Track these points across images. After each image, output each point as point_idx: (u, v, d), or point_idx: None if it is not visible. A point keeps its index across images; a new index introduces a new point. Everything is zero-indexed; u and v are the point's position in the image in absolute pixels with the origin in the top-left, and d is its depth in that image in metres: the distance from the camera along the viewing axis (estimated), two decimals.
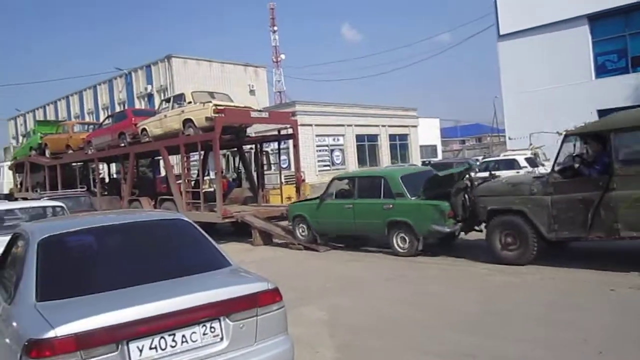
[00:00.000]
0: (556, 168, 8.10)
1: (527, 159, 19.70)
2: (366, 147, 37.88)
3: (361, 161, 36.66)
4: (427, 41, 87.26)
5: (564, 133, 8.42)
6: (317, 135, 33.40)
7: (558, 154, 8.36)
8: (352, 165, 34.50)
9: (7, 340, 3.15)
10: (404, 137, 41.84)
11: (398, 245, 9.86)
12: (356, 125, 36.95)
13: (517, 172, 16.57)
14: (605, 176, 7.32)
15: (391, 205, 9.90)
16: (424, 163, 38.01)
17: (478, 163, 24.12)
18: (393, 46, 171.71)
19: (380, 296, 7.13)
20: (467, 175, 9.53)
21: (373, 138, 38.81)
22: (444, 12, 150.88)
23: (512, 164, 19.39)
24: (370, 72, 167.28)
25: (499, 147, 44.88)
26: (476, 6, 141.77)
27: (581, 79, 23.30)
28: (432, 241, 9.89)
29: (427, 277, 8.11)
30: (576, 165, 7.99)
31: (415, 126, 42.91)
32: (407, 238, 9.71)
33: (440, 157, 50.70)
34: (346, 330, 5.71)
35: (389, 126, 39.98)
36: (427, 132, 46.85)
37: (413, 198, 9.73)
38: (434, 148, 51.42)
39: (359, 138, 36.97)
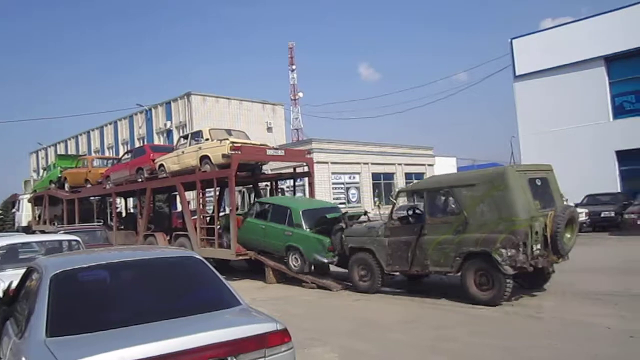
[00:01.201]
0: (394, 216, 10.57)
1: None
2: (382, 185, 37.88)
3: (378, 198, 36.59)
4: (444, 80, 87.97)
5: (397, 190, 11.95)
6: (333, 173, 33.54)
7: (393, 205, 11.05)
8: (368, 204, 34.41)
9: None
10: (420, 175, 41.74)
11: (292, 264, 12.15)
12: (372, 164, 37.06)
13: None
14: (420, 224, 9.77)
15: (290, 233, 12.17)
16: None
17: None
18: (410, 85, 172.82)
19: (396, 340, 6.93)
20: (343, 218, 11.56)
21: (389, 176, 38.83)
22: (461, 52, 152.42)
23: None
24: (388, 110, 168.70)
25: None
26: (494, 46, 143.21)
27: (599, 120, 23.29)
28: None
29: (447, 320, 7.92)
30: (404, 214, 10.98)
31: (431, 165, 42.92)
32: (299, 260, 11.97)
33: None
34: None
35: (405, 164, 40.05)
36: (443, 170, 46.62)
37: (307, 230, 11.96)
38: None
39: (375, 176, 37.06)
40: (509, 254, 8.34)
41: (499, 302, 8.56)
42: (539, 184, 9.32)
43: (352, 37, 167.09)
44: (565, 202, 9.77)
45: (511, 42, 26.99)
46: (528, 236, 8.44)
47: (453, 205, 9.55)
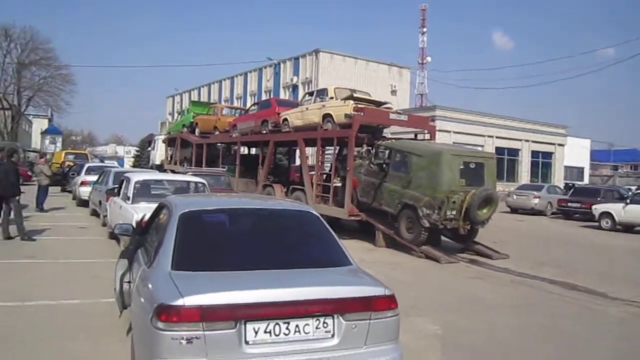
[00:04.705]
0: (373, 161, 13.35)
1: None
2: (505, 161, 36.15)
3: (498, 175, 35.01)
4: (584, 56, 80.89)
5: (378, 143, 13.85)
6: (454, 143, 32.56)
7: (376, 153, 13.54)
8: None
9: (142, 300, 3.47)
10: (548, 155, 39.33)
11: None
12: (497, 137, 35.44)
13: None
14: (384, 173, 12.86)
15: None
16: (567, 185, 35.48)
17: (630, 193, 22.04)
18: (547, 57, 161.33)
19: (502, 323, 6.67)
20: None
21: (514, 152, 36.98)
22: (609, 23, 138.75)
23: None
24: (520, 83, 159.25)
25: None
26: None
27: None
28: None
29: (558, 309, 7.52)
30: (381, 162, 13.14)
31: (562, 145, 40.13)
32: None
33: (587, 180, 46.91)
34: (459, 351, 5.46)
35: (533, 142, 37.81)
36: (574, 153, 43.54)
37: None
38: (580, 170, 47.63)
39: (499, 151, 35.37)
40: (427, 212, 11.27)
41: (416, 244, 11.52)
42: (472, 167, 11.85)
43: (488, 1, 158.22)
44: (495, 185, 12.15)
45: None
46: (444, 203, 11.08)
47: (406, 167, 12.29)
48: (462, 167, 11.61)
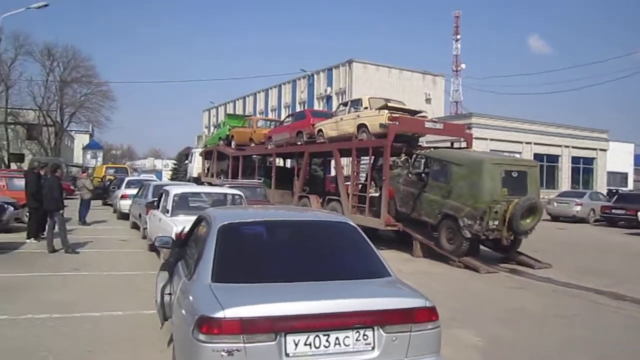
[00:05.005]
0: (412, 170, 13.23)
1: None
2: (545, 167, 35.37)
3: None
4: (626, 58, 78.77)
5: (417, 152, 13.98)
6: (491, 150, 32.05)
7: (414, 161, 13.47)
8: None
9: (184, 312, 3.51)
10: (589, 160, 38.33)
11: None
12: (535, 144, 34.78)
13: None
14: (424, 183, 12.72)
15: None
16: (610, 191, 34.51)
17: None
18: (586, 61, 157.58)
19: (546, 334, 6.50)
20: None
21: (553, 159, 36.20)
22: None
23: None
24: (558, 87, 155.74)
25: None
26: None
27: None
28: None
29: (605, 320, 7.29)
30: (420, 171, 12.96)
31: (604, 150, 39.06)
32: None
33: (631, 186, 45.50)
34: None
35: (573, 147, 36.94)
36: (618, 158, 42.32)
37: None
38: (624, 176, 46.25)
39: (538, 157, 34.57)
40: (469, 222, 11.04)
41: (457, 255, 11.26)
42: (515, 175, 11.52)
43: (523, 6, 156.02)
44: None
45: None
46: (486, 213, 10.85)
47: (446, 176, 12.11)
48: (503, 175, 11.32)
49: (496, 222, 10.99)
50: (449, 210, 11.64)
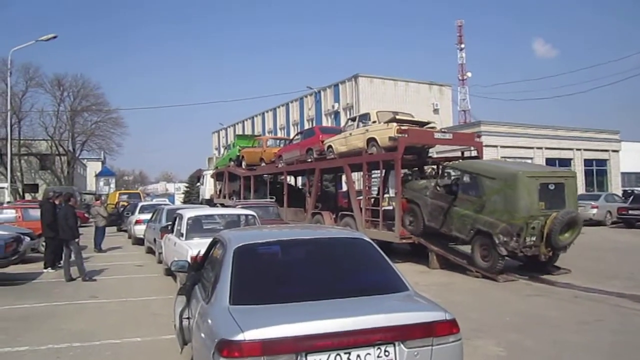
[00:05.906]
0: (440, 183, 12.64)
1: None
2: None
3: None
4: (634, 57, 78.32)
5: (445, 164, 14.07)
6: (502, 157, 31.85)
7: (442, 174, 13.45)
8: None
9: (203, 335, 3.51)
10: (602, 162, 37.93)
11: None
12: (546, 148, 34.51)
13: None
14: (453, 196, 12.00)
15: None
16: (625, 192, 34.12)
17: None
18: (594, 62, 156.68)
19: (569, 341, 6.38)
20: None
21: (565, 162, 35.86)
22: None
23: None
24: (566, 91, 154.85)
25: None
26: None
27: None
28: None
29: (630, 324, 7.16)
30: (449, 183, 12.62)
31: (616, 151, 38.66)
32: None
33: None
34: None
35: (585, 150, 36.59)
36: (631, 158, 41.82)
37: None
38: (638, 176, 45.75)
39: (550, 162, 34.42)
40: (504, 239, 10.52)
41: (493, 273, 10.67)
42: (552, 188, 10.92)
43: (526, 9, 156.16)
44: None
45: None
46: (523, 230, 10.35)
47: (477, 190, 11.50)
48: (539, 188, 10.72)
49: (533, 238, 10.51)
50: (482, 227, 11.09)
